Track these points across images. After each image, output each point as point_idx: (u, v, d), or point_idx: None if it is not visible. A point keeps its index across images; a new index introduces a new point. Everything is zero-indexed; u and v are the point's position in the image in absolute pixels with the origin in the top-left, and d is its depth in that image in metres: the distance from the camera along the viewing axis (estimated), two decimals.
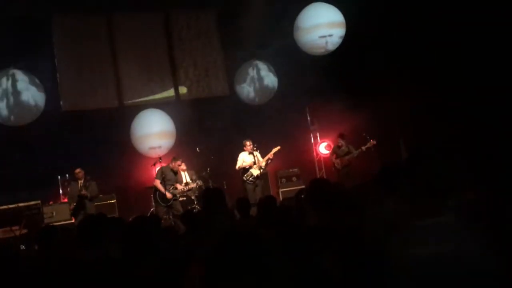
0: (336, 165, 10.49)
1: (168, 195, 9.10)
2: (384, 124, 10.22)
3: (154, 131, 10.20)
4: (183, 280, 2.44)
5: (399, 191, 2.78)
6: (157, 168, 9.64)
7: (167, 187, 9.16)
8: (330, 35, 9.87)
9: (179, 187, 9.26)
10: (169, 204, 9.15)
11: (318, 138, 11.83)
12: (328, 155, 11.23)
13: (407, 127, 9.96)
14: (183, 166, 9.78)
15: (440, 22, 8.54)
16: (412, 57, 9.14)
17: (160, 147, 10.16)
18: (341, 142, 10.44)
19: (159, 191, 9.14)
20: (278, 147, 9.79)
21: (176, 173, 9.33)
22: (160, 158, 9.82)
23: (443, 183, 2.14)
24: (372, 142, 10.04)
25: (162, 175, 9.20)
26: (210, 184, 10.03)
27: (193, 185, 9.47)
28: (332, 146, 11.07)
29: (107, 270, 2.81)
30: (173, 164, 9.24)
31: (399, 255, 2.16)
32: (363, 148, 10.12)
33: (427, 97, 9.04)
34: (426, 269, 2.07)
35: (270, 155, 9.77)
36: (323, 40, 9.97)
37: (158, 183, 9.17)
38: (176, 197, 9.21)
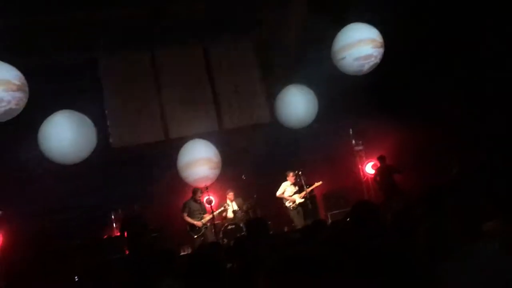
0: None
1: (198, 223, 9.41)
2: (430, 142, 9.99)
3: (184, 161, 10.18)
4: None
5: (447, 212, 2.72)
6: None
7: (196, 217, 9.50)
8: (342, 58, 9.76)
9: (207, 216, 9.52)
10: (201, 233, 9.42)
11: (364, 157, 11.68)
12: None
13: (457, 145, 9.69)
14: (231, 196, 10.02)
15: (491, 42, 8.35)
16: (459, 73, 8.95)
17: (187, 176, 9.73)
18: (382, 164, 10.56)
19: (189, 224, 9.46)
20: (320, 182, 10.09)
21: (200, 203, 9.63)
22: (206, 187, 9.93)
23: (488, 206, 2.10)
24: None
25: (187, 208, 9.55)
26: (258, 211, 10.13)
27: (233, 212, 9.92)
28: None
29: None
30: (195, 196, 9.61)
31: (453, 281, 2.11)
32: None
33: (475, 115, 8.81)
34: None
35: (311, 188, 10.05)
36: (339, 64, 9.94)
37: (185, 216, 9.53)
38: (207, 225, 9.44)
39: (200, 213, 9.53)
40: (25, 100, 8.31)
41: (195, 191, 9.59)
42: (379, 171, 10.69)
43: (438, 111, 9.21)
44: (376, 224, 3.42)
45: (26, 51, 8.78)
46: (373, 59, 9.62)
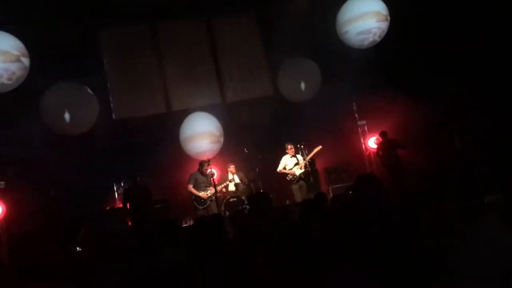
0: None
1: (203, 195, 9.44)
2: (433, 117, 9.93)
3: (185, 135, 10.35)
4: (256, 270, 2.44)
5: (453, 194, 2.70)
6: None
7: (201, 189, 9.53)
8: (346, 32, 9.71)
9: (213, 189, 9.50)
10: (206, 206, 9.46)
11: (367, 132, 11.62)
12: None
13: (461, 120, 9.62)
14: (233, 169, 10.01)
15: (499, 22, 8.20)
16: (464, 49, 8.82)
17: (189, 150, 10.32)
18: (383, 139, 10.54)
19: (195, 195, 9.50)
20: (320, 147, 9.92)
21: (206, 176, 9.62)
22: (209, 160, 9.91)
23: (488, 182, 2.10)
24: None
25: (193, 180, 9.57)
26: (260, 184, 10.15)
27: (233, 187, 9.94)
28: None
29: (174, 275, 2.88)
30: (202, 168, 9.59)
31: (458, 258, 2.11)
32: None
33: (476, 92, 8.74)
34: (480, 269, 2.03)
35: (311, 155, 9.93)
36: (343, 37, 9.89)
37: (190, 187, 9.56)
38: (212, 198, 9.46)
39: (206, 186, 9.55)
40: (19, 74, 8.14)
41: (202, 163, 9.59)
42: (382, 145, 10.64)
43: (442, 88, 9.11)
44: (379, 198, 3.40)
45: (27, 22, 8.65)
46: (371, 34, 9.55)
